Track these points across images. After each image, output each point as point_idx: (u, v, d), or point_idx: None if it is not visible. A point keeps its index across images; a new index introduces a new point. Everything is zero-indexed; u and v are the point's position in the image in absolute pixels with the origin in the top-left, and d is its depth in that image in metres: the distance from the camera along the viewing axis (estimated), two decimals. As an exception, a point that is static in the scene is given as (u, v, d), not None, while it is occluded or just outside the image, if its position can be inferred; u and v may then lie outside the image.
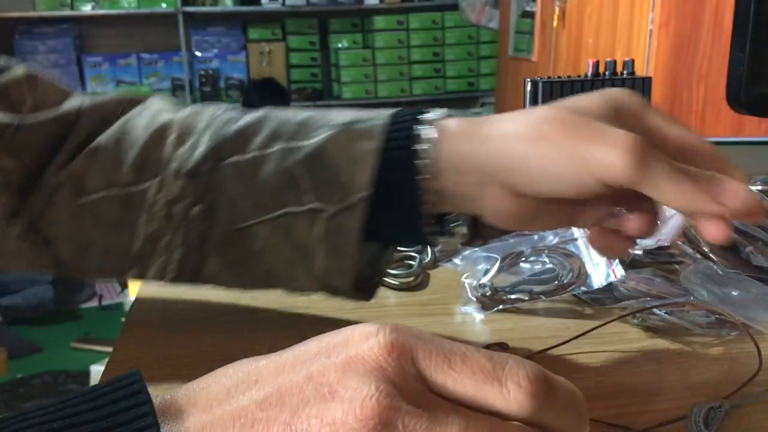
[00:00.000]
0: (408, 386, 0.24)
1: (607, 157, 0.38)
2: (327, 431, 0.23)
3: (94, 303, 3.24)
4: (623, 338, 0.57)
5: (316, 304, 0.66)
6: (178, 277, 0.51)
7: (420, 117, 0.45)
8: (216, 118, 0.50)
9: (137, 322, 0.62)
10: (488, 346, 0.55)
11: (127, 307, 2.92)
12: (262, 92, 3.15)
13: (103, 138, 0.50)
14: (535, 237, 0.72)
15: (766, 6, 0.66)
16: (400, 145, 0.44)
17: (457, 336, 0.59)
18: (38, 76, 0.53)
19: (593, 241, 0.46)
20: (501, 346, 0.55)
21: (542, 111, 0.42)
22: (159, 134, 0.49)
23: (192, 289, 0.70)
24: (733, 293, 0.58)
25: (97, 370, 2.41)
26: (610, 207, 0.44)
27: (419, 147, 0.44)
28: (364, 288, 0.51)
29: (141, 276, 0.51)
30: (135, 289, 0.75)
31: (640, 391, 0.49)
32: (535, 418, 0.25)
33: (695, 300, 0.58)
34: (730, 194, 0.38)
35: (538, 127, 0.41)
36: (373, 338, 0.25)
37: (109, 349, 0.58)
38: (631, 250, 0.51)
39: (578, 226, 0.47)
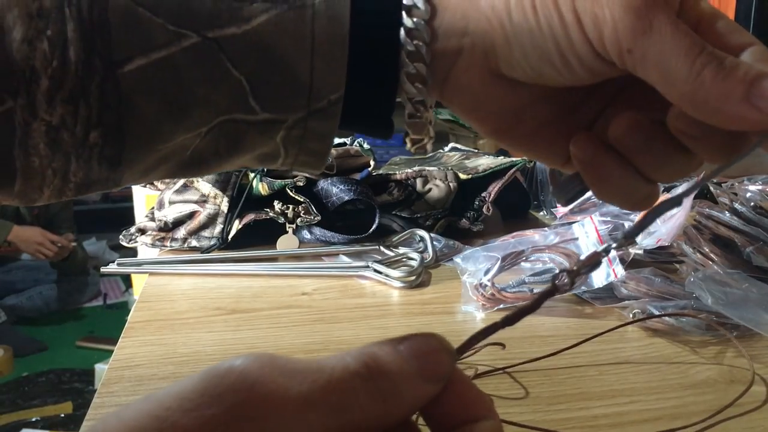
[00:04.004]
0: None
1: (599, 7, 0.29)
2: None
3: (98, 302, 3.25)
4: (623, 338, 0.57)
5: (317, 303, 0.66)
6: (82, 194, 0.39)
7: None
8: None
9: (140, 321, 0.63)
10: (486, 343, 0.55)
11: (131, 306, 2.93)
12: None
13: None
14: (536, 237, 0.72)
15: (766, 7, 0.66)
16: (374, 23, 0.35)
17: (457, 335, 0.59)
18: None
19: (589, 170, 0.34)
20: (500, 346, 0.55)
21: None
22: None
23: (193, 289, 0.71)
24: (734, 294, 0.58)
25: (101, 369, 2.42)
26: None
27: (404, 23, 0.34)
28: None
29: (32, 203, 0.39)
30: (138, 288, 0.75)
31: (640, 391, 0.49)
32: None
33: (697, 305, 0.58)
34: None
35: None
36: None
37: (114, 348, 0.58)
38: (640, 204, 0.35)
39: (576, 153, 0.34)
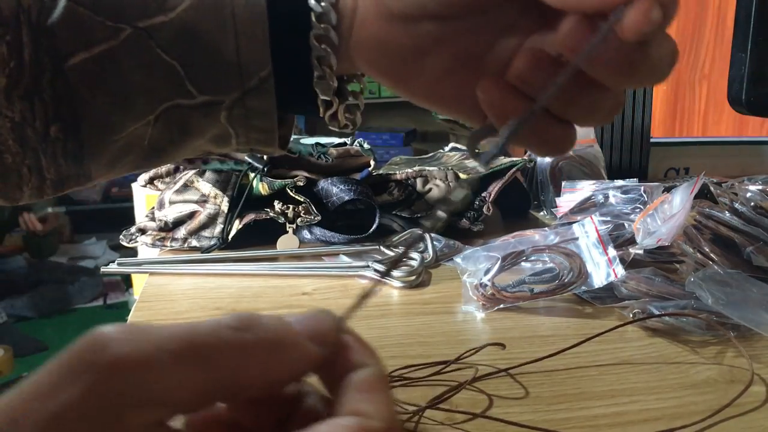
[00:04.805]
0: None
1: None
2: None
3: (99, 302, 3.25)
4: (623, 338, 0.57)
5: (318, 302, 0.66)
6: (62, 191, 0.42)
7: None
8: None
9: (140, 321, 0.63)
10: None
11: (131, 306, 2.93)
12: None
13: None
14: (536, 236, 0.72)
15: (767, 7, 0.66)
16: (290, 9, 0.36)
17: (458, 335, 0.59)
18: None
19: (494, 107, 0.33)
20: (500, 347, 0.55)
21: None
22: None
23: (193, 289, 0.71)
24: (734, 294, 0.58)
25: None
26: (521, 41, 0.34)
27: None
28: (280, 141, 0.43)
29: (15, 203, 0.41)
30: (138, 288, 0.75)
31: (640, 391, 0.49)
32: None
33: (697, 305, 0.58)
34: None
35: None
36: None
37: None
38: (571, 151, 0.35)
39: (482, 97, 0.33)
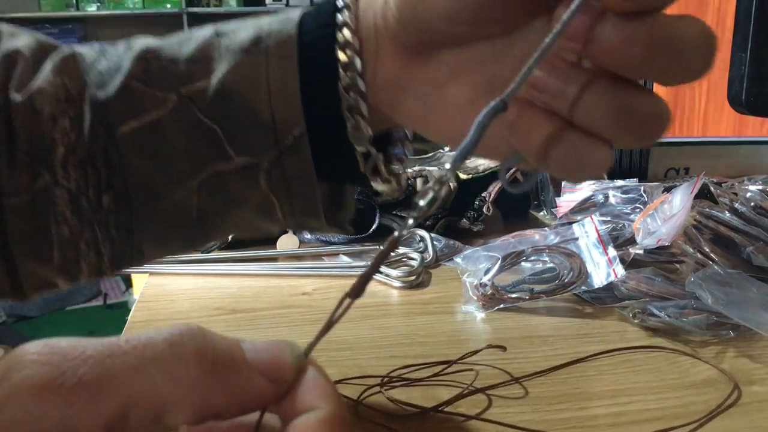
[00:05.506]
0: None
1: None
2: None
3: (98, 302, 3.25)
4: (623, 338, 0.57)
5: (318, 302, 0.66)
6: (118, 269, 0.43)
7: (336, 10, 0.36)
8: (87, 73, 0.40)
9: (140, 321, 0.63)
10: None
11: (131, 306, 2.93)
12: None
13: None
14: (536, 236, 0.72)
15: (767, 7, 0.66)
16: (319, 50, 0.36)
17: (458, 335, 0.59)
18: None
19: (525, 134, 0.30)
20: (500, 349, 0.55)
21: None
22: (31, 112, 0.39)
23: (193, 289, 0.71)
24: (734, 294, 0.58)
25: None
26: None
27: (339, 58, 0.36)
28: (336, 222, 0.43)
29: (75, 280, 0.43)
30: (138, 288, 0.75)
31: (640, 391, 0.49)
32: None
33: (697, 305, 0.58)
34: None
35: None
36: None
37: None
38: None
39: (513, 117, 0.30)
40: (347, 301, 0.25)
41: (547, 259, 0.67)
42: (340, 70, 0.35)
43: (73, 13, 3.74)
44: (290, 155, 0.37)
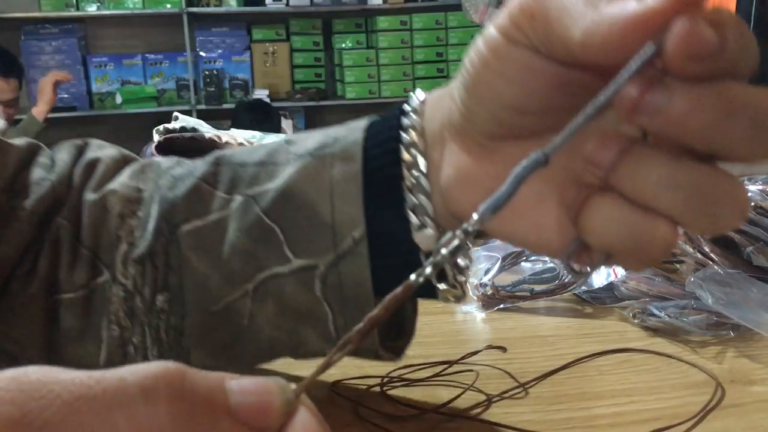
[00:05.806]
0: None
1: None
2: None
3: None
4: (623, 338, 0.57)
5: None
6: None
7: (402, 114, 0.36)
8: (161, 177, 0.41)
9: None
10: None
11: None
12: (251, 114, 3.15)
13: (62, 231, 0.41)
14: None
15: (767, 7, 0.66)
16: (383, 163, 0.36)
17: (458, 335, 0.59)
18: None
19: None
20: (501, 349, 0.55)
21: None
22: (101, 210, 0.40)
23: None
24: (734, 294, 0.58)
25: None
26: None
27: (406, 169, 0.35)
28: (392, 347, 0.41)
29: None
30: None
31: (640, 391, 0.49)
32: None
33: (697, 305, 0.58)
34: None
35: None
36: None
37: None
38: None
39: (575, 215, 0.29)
40: (349, 346, 0.22)
41: (547, 259, 0.67)
42: (404, 170, 0.35)
43: (73, 13, 3.74)
44: (348, 259, 0.36)
